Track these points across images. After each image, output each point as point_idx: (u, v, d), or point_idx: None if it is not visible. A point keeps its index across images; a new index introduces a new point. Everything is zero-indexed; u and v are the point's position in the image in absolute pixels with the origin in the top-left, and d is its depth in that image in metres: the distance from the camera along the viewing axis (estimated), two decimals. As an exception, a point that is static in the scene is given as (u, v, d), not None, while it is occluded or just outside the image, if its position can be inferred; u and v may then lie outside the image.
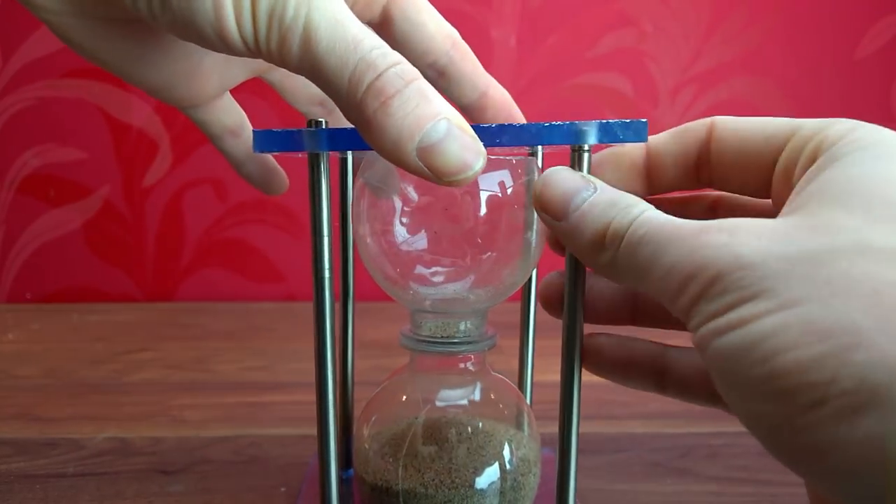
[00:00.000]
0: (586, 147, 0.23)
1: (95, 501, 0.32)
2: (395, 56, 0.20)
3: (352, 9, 0.24)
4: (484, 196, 0.26)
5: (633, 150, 0.24)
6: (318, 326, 0.24)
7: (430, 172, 0.20)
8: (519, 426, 0.30)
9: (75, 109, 0.74)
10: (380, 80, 0.19)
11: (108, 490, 0.33)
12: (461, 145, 0.20)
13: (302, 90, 0.32)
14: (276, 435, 0.40)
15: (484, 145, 0.21)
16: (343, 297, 0.31)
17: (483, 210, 0.26)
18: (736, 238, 0.17)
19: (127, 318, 0.68)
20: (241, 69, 0.29)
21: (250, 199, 0.77)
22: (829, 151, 0.18)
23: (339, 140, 0.23)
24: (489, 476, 0.27)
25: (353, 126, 0.21)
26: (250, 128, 0.32)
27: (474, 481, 0.27)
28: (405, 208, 0.26)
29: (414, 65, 0.21)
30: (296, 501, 0.32)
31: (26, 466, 0.35)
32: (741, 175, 0.22)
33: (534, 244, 0.28)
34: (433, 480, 0.27)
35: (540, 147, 0.28)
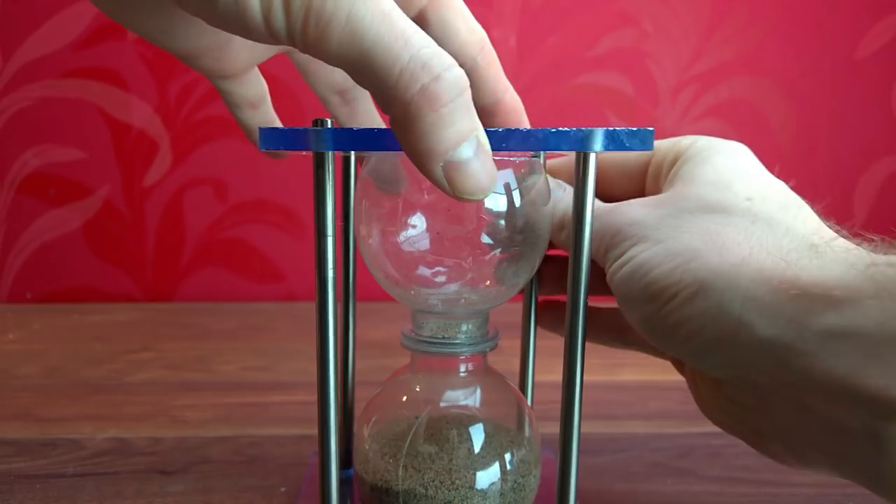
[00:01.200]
0: (592, 153, 0.23)
1: (95, 501, 0.32)
2: (448, 58, 0.20)
3: None
4: (487, 197, 0.26)
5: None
6: (320, 326, 0.24)
7: (448, 186, 0.20)
8: (519, 427, 0.30)
9: (75, 109, 0.74)
10: (436, 85, 0.19)
11: (108, 490, 0.33)
12: (484, 168, 0.20)
13: (325, 76, 0.32)
14: (276, 435, 0.40)
15: (492, 148, 0.21)
16: (344, 297, 0.31)
17: (486, 211, 0.26)
18: (630, 208, 0.27)
19: (127, 318, 0.68)
20: (271, 48, 0.29)
21: (250, 199, 0.77)
22: (683, 156, 0.28)
23: (346, 140, 0.23)
24: (489, 477, 0.27)
25: (358, 126, 0.21)
26: (269, 100, 0.32)
27: (474, 482, 0.27)
28: (408, 208, 0.26)
29: None
30: (296, 501, 0.32)
31: (26, 466, 0.35)
32: (623, 185, 0.31)
33: (536, 245, 0.28)
34: (433, 481, 0.27)
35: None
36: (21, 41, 0.72)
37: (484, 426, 0.29)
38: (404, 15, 0.20)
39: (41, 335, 0.62)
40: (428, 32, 0.26)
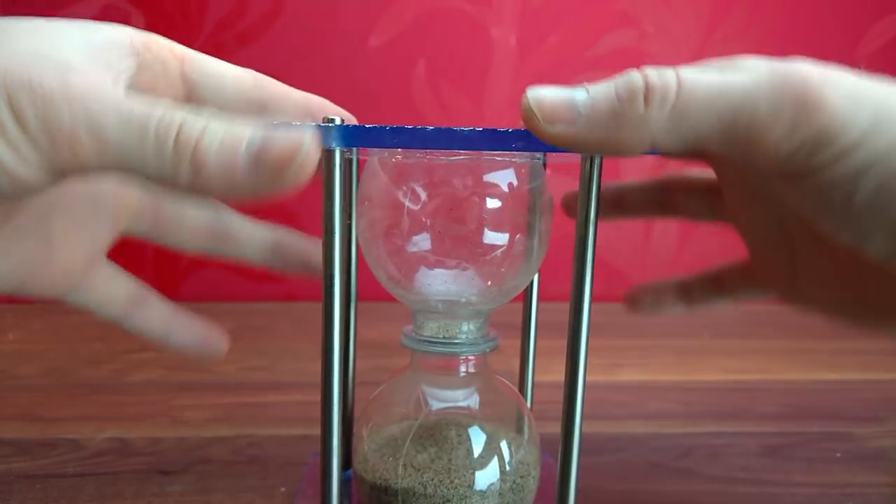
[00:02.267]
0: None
1: (95, 501, 0.32)
2: (184, 111, 0.20)
3: (154, 90, 0.24)
4: (489, 198, 0.26)
5: None
6: (325, 326, 0.24)
7: (272, 178, 0.20)
8: (519, 429, 0.30)
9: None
10: (182, 134, 0.20)
11: (108, 490, 0.33)
12: (282, 135, 0.20)
13: (178, 226, 0.30)
14: (276, 435, 0.40)
15: (497, 150, 0.21)
16: (345, 296, 0.31)
17: (487, 212, 0.26)
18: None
19: (127, 318, 0.68)
20: (101, 228, 0.28)
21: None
22: None
23: (356, 137, 0.23)
24: (488, 477, 0.27)
25: (361, 125, 0.21)
26: (156, 296, 0.30)
27: (473, 482, 0.27)
28: (410, 209, 0.26)
29: (231, 109, 0.21)
30: (295, 501, 0.32)
31: (26, 466, 0.35)
32: None
33: (536, 246, 0.28)
34: (432, 480, 0.27)
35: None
36: (21, 41, 0.72)
37: (483, 426, 0.29)
38: (140, 98, 0.21)
39: (41, 335, 0.62)
40: (201, 90, 0.26)
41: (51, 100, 0.20)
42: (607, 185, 0.34)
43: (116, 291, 0.29)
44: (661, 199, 0.33)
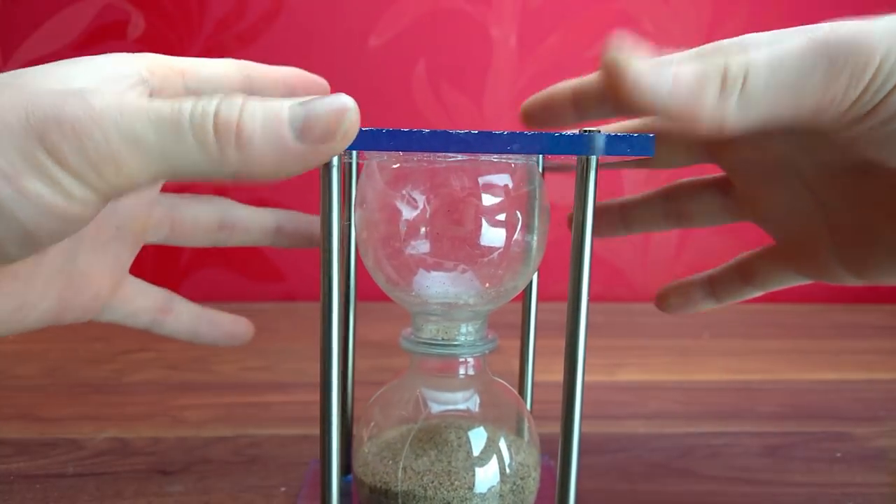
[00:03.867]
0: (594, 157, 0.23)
1: (95, 501, 0.32)
2: (214, 98, 0.20)
3: (160, 95, 0.24)
4: (486, 199, 0.26)
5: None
6: (324, 328, 0.24)
7: (321, 147, 0.20)
8: (518, 431, 0.30)
9: (75, 109, 0.74)
10: (220, 119, 0.20)
11: (108, 490, 0.33)
12: (323, 102, 0.20)
13: (193, 226, 0.31)
14: (276, 435, 0.40)
15: (495, 151, 0.21)
16: (345, 297, 0.31)
17: (485, 213, 0.26)
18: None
19: (127, 317, 0.68)
20: (121, 246, 0.28)
21: (250, 199, 0.77)
22: None
23: (355, 140, 0.23)
24: (488, 480, 0.27)
25: (359, 128, 0.21)
26: (180, 299, 0.31)
27: (473, 485, 0.27)
28: (408, 211, 0.26)
29: None
30: (296, 501, 0.32)
31: (26, 466, 0.35)
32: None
33: (534, 248, 0.28)
34: (432, 483, 0.27)
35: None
36: (21, 41, 0.72)
37: (483, 428, 0.29)
38: (159, 98, 0.20)
39: (41, 335, 0.62)
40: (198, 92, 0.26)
41: (81, 127, 0.19)
42: (609, 204, 0.34)
43: (143, 303, 0.30)
44: (668, 210, 0.33)
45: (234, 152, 0.20)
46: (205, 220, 0.31)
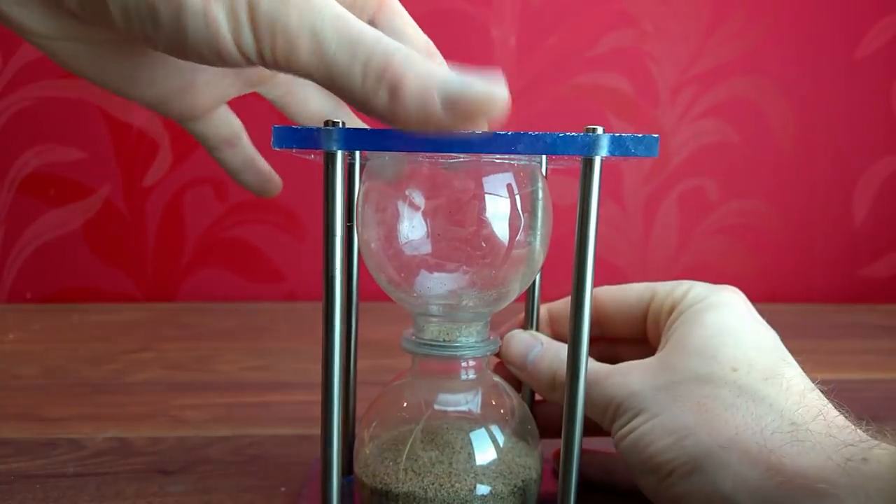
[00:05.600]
0: (597, 158, 0.23)
1: (95, 501, 0.32)
2: (396, 44, 0.21)
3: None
4: (488, 201, 0.26)
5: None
6: (326, 328, 0.24)
7: (462, 120, 0.21)
8: (519, 432, 0.30)
9: (75, 109, 0.74)
10: (392, 66, 0.21)
11: (108, 490, 0.33)
12: (476, 87, 0.21)
13: (304, 108, 0.32)
14: (276, 435, 0.40)
15: (498, 151, 0.21)
16: (346, 297, 0.31)
17: (487, 215, 0.26)
18: (629, 378, 0.28)
19: (127, 318, 0.68)
20: (235, 83, 0.30)
21: (250, 199, 0.77)
22: (678, 308, 0.29)
23: (357, 140, 0.23)
24: (489, 481, 0.27)
25: (362, 128, 0.21)
26: (247, 137, 0.32)
27: (474, 487, 0.27)
28: (410, 212, 0.26)
29: None
30: (296, 501, 0.32)
31: (26, 466, 0.35)
32: (625, 328, 0.32)
33: (537, 249, 0.28)
34: (433, 485, 0.27)
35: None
36: (21, 41, 0.72)
37: (484, 430, 0.28)
38: (355, 18, 0.22)
39: (41, 335, 0.62)
40: None
41: (278, 4, 0.21)
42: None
43: (223, 130, 0.31)
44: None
45: (385, 94, 0.21)
46: (315, 106, 0.32)
